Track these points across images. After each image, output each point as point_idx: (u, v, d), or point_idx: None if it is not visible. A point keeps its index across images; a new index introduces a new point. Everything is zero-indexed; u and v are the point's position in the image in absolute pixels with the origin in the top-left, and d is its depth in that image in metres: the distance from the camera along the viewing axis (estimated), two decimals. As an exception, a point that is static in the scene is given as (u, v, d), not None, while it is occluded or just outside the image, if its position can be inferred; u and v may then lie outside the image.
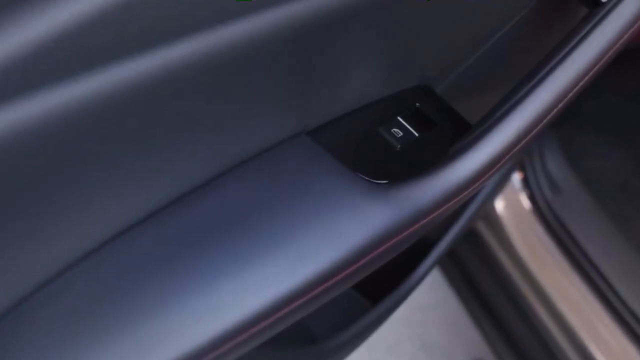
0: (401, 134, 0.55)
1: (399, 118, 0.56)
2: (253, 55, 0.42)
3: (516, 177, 1.08)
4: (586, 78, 0.56)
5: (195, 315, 0.41)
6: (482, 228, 1.11)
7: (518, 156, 0.57)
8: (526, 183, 1.08)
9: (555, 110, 0.56)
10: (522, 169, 1.08)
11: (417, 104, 0.58)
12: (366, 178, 0.50)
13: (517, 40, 0.63)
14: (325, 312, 0.86)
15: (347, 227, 0.47)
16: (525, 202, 1.08)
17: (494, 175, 0.55)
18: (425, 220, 0.51)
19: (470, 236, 1.12)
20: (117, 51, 0.35)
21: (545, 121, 0.56)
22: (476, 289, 1.15)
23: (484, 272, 1.12)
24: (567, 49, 0.56)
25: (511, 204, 1.08)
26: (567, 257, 1.04)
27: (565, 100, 0.56)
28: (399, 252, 0.54)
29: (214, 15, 0.39)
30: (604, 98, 1.12)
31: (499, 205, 1.09)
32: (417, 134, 0.55)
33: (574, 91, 0.56)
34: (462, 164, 0.52)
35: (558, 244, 1.05)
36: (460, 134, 0.57)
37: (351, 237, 0.47)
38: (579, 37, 0.56)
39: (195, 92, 0.41)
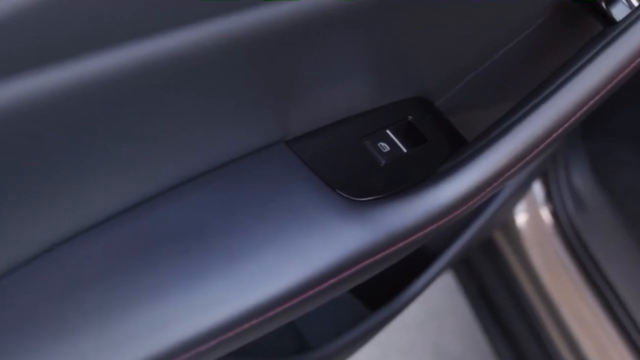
0: (388, 148, 0.53)
1: (387, 131, 0.54)
2: (229, 55, 0.40)
3: (539, 190, 1.05)
4: (594, 100, 0.53)
5: (135, 332, 0.40)
6: (500, 239, 1.08)
7: (517, 174, 0.55)
8: (549, 197, 1.04)
9: (559, 132, 0.53)
10: (546, 181, 1.05)
11: (410, 117, 0.55)
12: (343, 194, 0.49)
13: (526, 54, 0.60)
14: (320, 317, 0.85)
15: (314, 246, 0.46)
16: (547, 216, 1.04)
17: (484, 198, 0.53)
18: (402, 244, 0.49)
19: (487, 246, 1.10)
20: (78, 46, 0.34)
21: (546, 142, 0.53)
22: (489, 301, 1.12)
23: (498, 284, 1.09)
24: (575, 68, 0.53)
25: (532, 218, 1.05)
26: (585, 279, 1.00)
27: (571, 122, 0.53)
28: (378, 272, 0.52)
29: (192, 12, 0.37)
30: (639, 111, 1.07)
31: (519, 217, 1.06)
32: (405, 150, 0.53)
33: (580, 113, 0.53)
34: (448, 185, 0.50)
35: (577, 264, 1.01)
36: (455, 151, 0.55)
37: (316, 258, 0.45)
38: (588, 56, 0.53)
39: (166, 91, 0.39)
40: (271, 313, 0.43)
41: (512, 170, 0.52)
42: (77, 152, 0.39)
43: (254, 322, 0.43)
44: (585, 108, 0.53)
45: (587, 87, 0.53)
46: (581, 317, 1.00)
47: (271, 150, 0.49)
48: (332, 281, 0.46)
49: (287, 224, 0.46)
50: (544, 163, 0.96)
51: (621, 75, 0.53)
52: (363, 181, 0.51)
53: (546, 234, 1.04)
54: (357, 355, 1.41)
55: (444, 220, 0.50)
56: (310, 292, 0.45)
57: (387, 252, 0.48)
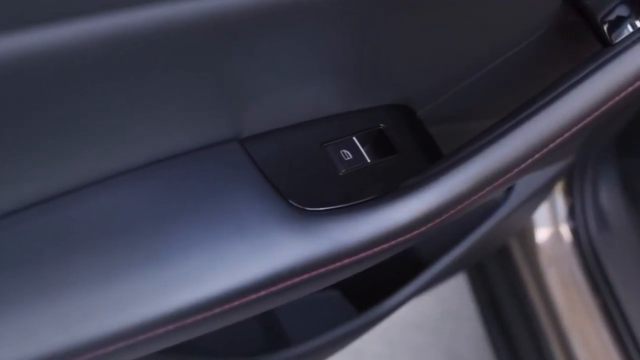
0: (351, 157, 0.51)
1: (354, 138, 0.52)
2: (179, 41, 0.39)
3: (561, 204, 1.01)
4: (580, 125, 0.50)
5: (33, 327, 0.39)
6: (515, 250, 1.05)
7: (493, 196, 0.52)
8: (571, 213, 1.01)
9: (535, 157, 0.50)
10: (570, 195, 1.01)
11: (382, 125, 0.53)
12: (291, 201, 0.47)
13: (521, 67, 0.57)
14: (305, 314, 0.84)
15: (244, 255, 0.45)
16: (567, 233, 1.01)
17: (448, 220, 0.50)
18: (346, 261, 0.47)
19: (502, 255, 1.07)
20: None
21: (522, 167, 0.50)
22: (498, 313, 1.10)
23: (509, 298, 1.07)
24: (561, 89, 0.50)
25: (551, 233, 1.02)
26: (598, 305, 0.97)
27: (550, 147, 0.50)
28: (322, 287, 0.50)
29: None
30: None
31: (537, 230, 1.03)
32: (369, 160, 0.51)
33: (561, 139, 0.50)
34: (404, 204, 0.48)
35: (592, 288, 0.98)
36: (427, 166, 0.53)
37: (244, 268, 0.44)
38: (577, 78, 0.50)
39: (107, 75, 0.38)
40: (187, 321, 0.43)
41: (480, 194, 0.50)
42: (10, 132, 0.38)
43: (170, 327, 0.42)
44: (567, 134, 0.50)
45: (573, 111, 0.50)
46: (589, 344, 0.97)
47: (221, 148, 0.48)
48: (261, 293, 0.45)
49: (219, 228, 0.45)
50: (565, 169, 0.91)
51: (612, 102, 0.49)
52: (316, 189, 0.49)
53: (564, 252, 1.01)
54: (366, 352, 1.40)
55: (398, 240, 0.49)
56: (234, 303, 0.44)
57: (327, 268, 0.47)
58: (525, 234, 1.04)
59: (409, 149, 0.54)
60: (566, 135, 0.50)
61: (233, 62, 0.43)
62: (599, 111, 0.49)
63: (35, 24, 0.34)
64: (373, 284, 0.84)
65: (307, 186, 0.49)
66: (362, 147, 0.52)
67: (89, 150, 0.43)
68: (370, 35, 0.48)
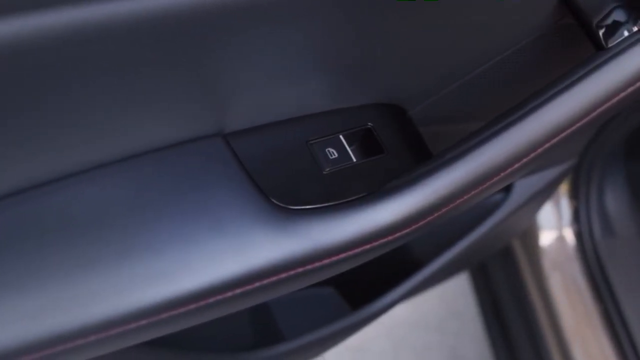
0: (336, 155, 0.51)
1: (340, 137, 0.51)
2: (161, 34, 0.39)
3: (566, 207, 1.00)
4: (567, 132, 0.49)
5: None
6: (518, 252, 1.04)
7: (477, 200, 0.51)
8: (576, 216, 0.99)
9: (522, 162, 0.49)
10: (575, 198, 1.00)
11: (369, 124, 0.53)
12: (272, 198, 0.47)
13: (516, 69, 0.56)
14: (299, 310, 0.84)
15: (220, 252, 0.44)
16: (570, 237, 1.00)
17: (432, 223, 0.50)
18: (326, 261, 0.47)
19: (505, 256, 1.06)
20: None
21: (508, 172, 0.49)
22: (499, 315, 1.09)
23: (511, 301, 1.06)
24: (551, 93, 0.49)
25: (554, 236, 1.01)
26: (600, 312, 0.96)
27: (538, 152, 0.49)
28: (301, 286, 0.50)
29: None
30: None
31: (541, 233, 1.02)
32: (355, 159, 0.51)
33: (549, 144, 0.49)
34: (386, 205, 0.48)
35: (594, 294, 0.96)
36: (415, 166, 0.52)
37: (219, 266, 0.44)
38: (567, 82, 0.49)
39: (89, 69, 0.39)
40: (160, 316, 0.43)
41: (466, 196, 0.50)
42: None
43: (142, 322, 0.42)
44: (556, 139, 0.49)
45: (562, 116, 0.49)
46: (588, 349, 0.96)
47: (204, 142, 0.48)
48: (237, 291, 0.45)
49: (197, 223, 0.44)
50: (567, 172, 0.90)
51: (602, 108, 0.48)
52: (299, 188, 0.49)
53: (567, 256, 1.00)
54: (371, 349, 1.40)
55: (379, 241, 0.48)
56: (209, 300, 0.44)
57: (306, 267, 0.46)
58: (529, 237, 1.03)
59: (397, 148, 0.53)
60: (555, 140, 0.49)
61: (218, 57, 0.43)
62: (590, 117, 0.48)
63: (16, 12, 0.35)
64: (368, 282, 0.84)
65: (290, 184, 0.48)
66: (349, 145, 0.51)
67: (72, 141, 0.43)
68: (362, 33, 0.47)
